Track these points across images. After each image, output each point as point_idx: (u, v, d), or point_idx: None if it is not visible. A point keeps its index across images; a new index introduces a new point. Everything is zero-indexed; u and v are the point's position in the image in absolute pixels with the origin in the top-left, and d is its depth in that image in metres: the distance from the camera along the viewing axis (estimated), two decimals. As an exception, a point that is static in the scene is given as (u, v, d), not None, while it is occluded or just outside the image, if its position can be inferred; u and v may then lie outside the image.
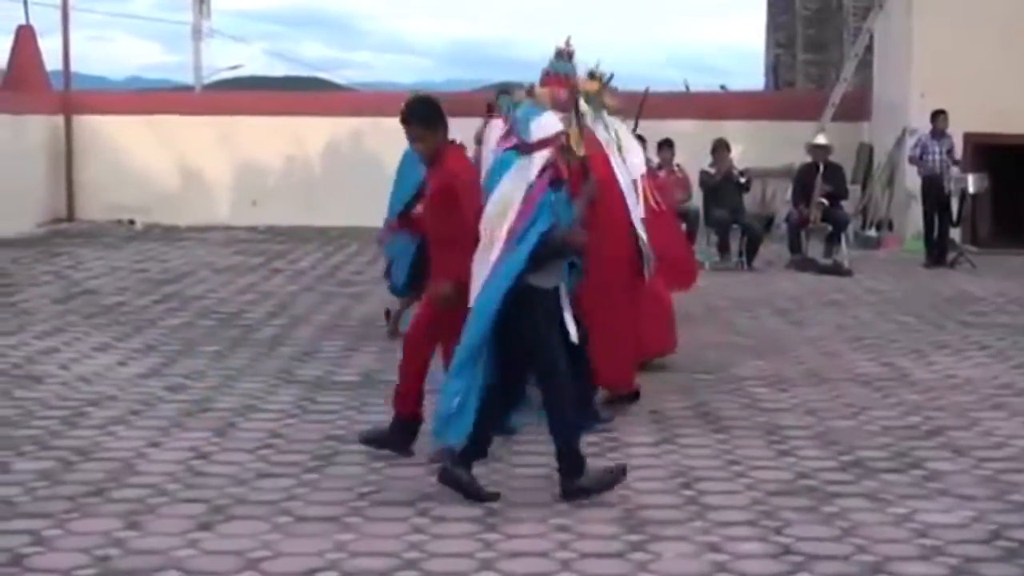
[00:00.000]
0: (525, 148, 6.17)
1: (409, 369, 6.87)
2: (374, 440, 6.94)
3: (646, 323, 8.36)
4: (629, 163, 8.44)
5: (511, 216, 6.05)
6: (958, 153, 16.52)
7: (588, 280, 6.93)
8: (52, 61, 21.75)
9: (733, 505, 6.14)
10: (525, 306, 6.02)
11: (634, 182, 8.36)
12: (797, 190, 16.34)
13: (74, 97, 21.25)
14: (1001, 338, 10.92)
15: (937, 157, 16.17)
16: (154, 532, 5.70)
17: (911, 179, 17.36)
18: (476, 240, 6.29)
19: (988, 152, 17.51)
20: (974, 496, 6.34)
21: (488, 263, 6.05)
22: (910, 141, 17.23)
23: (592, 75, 8.83)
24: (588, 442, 7.26)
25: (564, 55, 7.49)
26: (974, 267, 15.67)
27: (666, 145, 15.77)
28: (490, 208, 6.20)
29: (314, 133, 20.67)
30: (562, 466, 6.14)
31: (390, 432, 6.90)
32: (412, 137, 6.75)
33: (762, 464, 6.86)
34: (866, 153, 19.73)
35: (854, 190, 18.17)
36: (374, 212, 11.00)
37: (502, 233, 6.04)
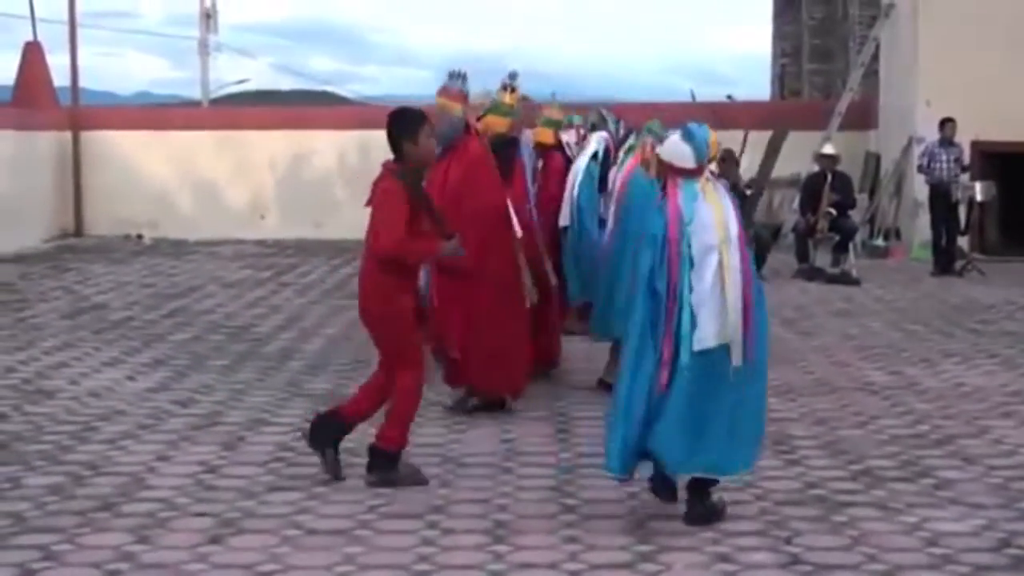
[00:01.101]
0: (699, 171, 6.01)
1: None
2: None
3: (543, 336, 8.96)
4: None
5: (735, 242, 5.94)
6: (966, 161, 16.51)
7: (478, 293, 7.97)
8: (61, 77, 21.85)
9: (742, 515, 6.13)
10: None
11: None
12: (804, 199, 16.34)
13: (82, 113, 21.33)
14: (1010, 346, 10.90)
15: (945, 165, 16.17)
16: (164, 546, 5.71)
17: (918, 188, 17.36)
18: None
19: (995, 160, 17.50)
20: (984, 504, 6.33)
21: (716, 290, 5.85)
22: (918, 149, 17.23)
23: (505, 87, 8.93)
24: (597, 452, 7.27)
25: (457, 76, 8.07)
26: (982, 275, 15.66)
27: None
28: (707, 236, 5.88)
29: (322, 146, 20.72)
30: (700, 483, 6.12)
31: None
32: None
33: (771, 474, 6.85)
34: (873, 162, 19.73)
35: (861, 199, 18.17)
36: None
37: (733, 260, 5.90)
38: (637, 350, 5.93)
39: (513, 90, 8.95)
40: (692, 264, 5.90)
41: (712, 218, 5.94)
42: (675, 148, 6.06)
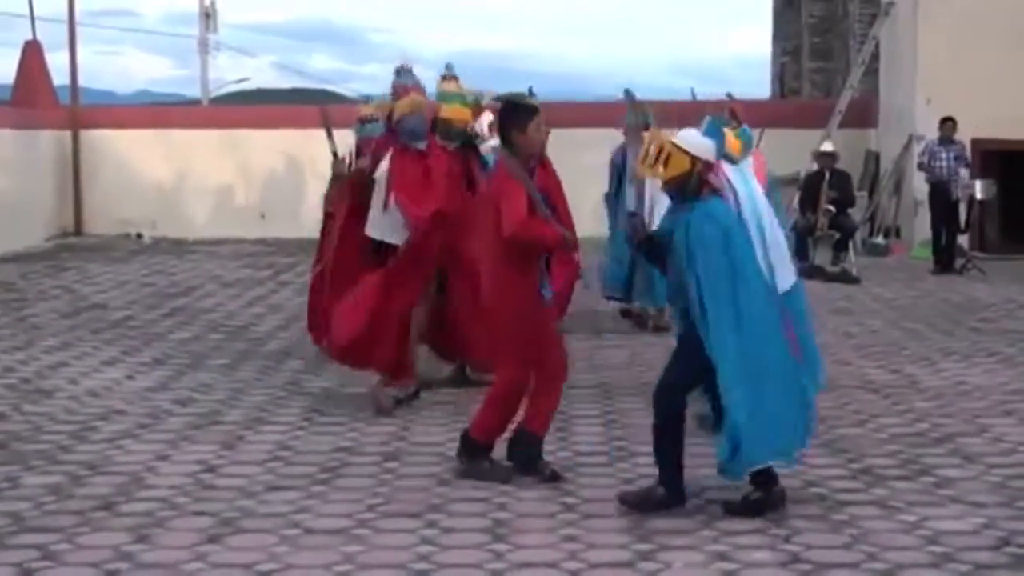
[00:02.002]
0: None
1: None
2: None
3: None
4: None
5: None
6: (969, 158, 16.49)
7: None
8: (60, 76, 21.84)
9: (742, 514, 6.13)
10: None
11: None
12: (804, 198, 16.33)
13: (81, 112, 21.31)
14: (1010, 344, 10.88)
15: (945, 164, 16.15)
16: (163, 546, 5.71)
17: (918, 186, 17.34)
18: None
19: (995, 158, 17.48)
20: (984, 503, 6.33)
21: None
22: (918, 148, 17.22)
23: (446, 78, 8.94)
24: (596, 451, 7.27)
25: (403, 70, 8.37)
26: (983, 273, 15.64)
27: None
28: (762, 203, 6.80)
29: (322, 145, 20.63)
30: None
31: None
32: None
33: (771, 472, 6.84)
34: (873, 160, 19.73)
35: (861, 197, 18.16)
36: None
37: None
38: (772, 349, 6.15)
39: (455, 79, 8.91)
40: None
41: (753, 190, 6.75)
42: (702, 143, 6.25)
